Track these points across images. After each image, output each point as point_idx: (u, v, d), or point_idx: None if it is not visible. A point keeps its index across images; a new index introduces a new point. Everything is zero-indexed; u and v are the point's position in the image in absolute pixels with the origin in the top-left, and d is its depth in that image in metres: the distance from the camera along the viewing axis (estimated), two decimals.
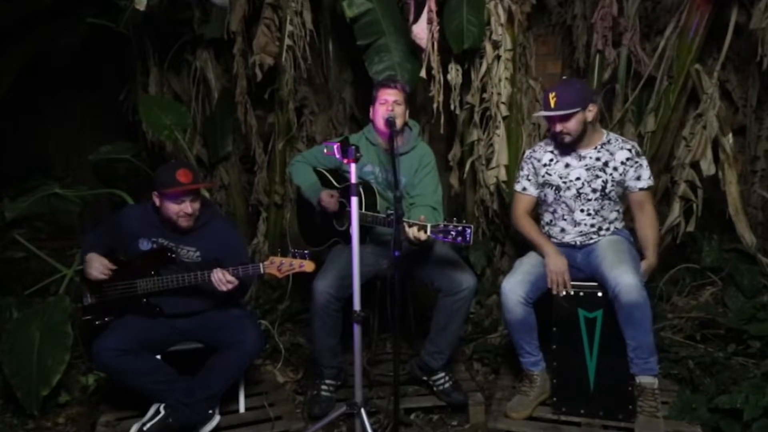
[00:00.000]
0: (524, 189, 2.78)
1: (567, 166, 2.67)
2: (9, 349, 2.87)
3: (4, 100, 4.43)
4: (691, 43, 3.31)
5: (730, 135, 3.31)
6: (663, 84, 3.42)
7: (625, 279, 2.41)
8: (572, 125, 2.56)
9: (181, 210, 2.52)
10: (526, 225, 2.76)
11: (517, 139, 3.55)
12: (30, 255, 4.13)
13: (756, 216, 3.72)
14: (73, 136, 5.14)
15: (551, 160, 2.70)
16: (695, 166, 3.32)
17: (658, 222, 2.82)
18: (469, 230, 2.27)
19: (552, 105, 2.53)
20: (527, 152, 2.81)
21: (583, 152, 2.66)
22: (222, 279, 2.45)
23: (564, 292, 2.59)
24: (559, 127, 2.58)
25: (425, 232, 2.36)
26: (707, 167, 3.27)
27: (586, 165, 2.64)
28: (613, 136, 2.69)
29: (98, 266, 2.56)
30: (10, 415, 2.87)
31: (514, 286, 2.59)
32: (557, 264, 2.59)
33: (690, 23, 3.29)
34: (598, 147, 2.65)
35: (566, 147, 2.66)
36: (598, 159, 2.64)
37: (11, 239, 4.30)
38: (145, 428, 2.49)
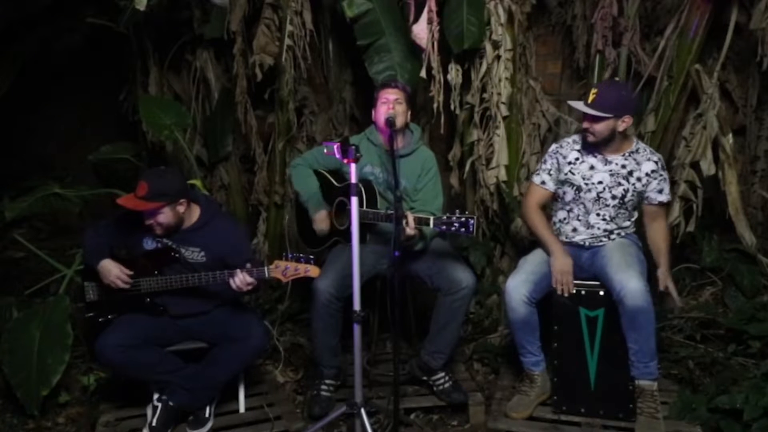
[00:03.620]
0: (543, 183, 2.73)
1: (591, 168, 2.64)
2: (9, 349, 2.87)
3: (4, 100, 4.43)
4: (691, 43, 3.31)
5: (730, 135, 3.31)
6: (663, 84, 3.42)
7: (631, 284, 2.40)
8: (599, 128, 2.53)
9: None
10: (535, 219, 2.72)
11: (517, 139, 3.55)
12: (30, 255, 4.13)
13: (756, 216, 3.71)
14: (73, 136, 5.14)
15: (577, 159, 2.66)
16: (695, 166, 3.32)
17: (669, 235, 2.81)
18: (472, 221, 2.28)
19: (589, 100, 2.51)
20: (553, 146, 2.75)
21: (609, 157, 2.63)
22: (244, 281, 2.42)
23: (567, 293, 2.58)
24: (586, 124, 2.56)
25: (426, 224, 2.39)
26: (707, 167, 3.27)
27: (610, 170, 2.62)
28: (642, 145, 2.67)
29: (118, 273, 2.53)
30: (10, 415, 2.87)
31: (518, 285, 2.58)
32: (563, 264, 2.58)
33: (690, 23, 3.29)
34: (626, 154, 2.62)
35: (591, 147, 2.63)
36: (623, 167, 2.61)
37: (11, 239, 4.30)
38: (153, 424, 2.50)
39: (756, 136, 3.73)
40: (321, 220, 2.80)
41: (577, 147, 2.69)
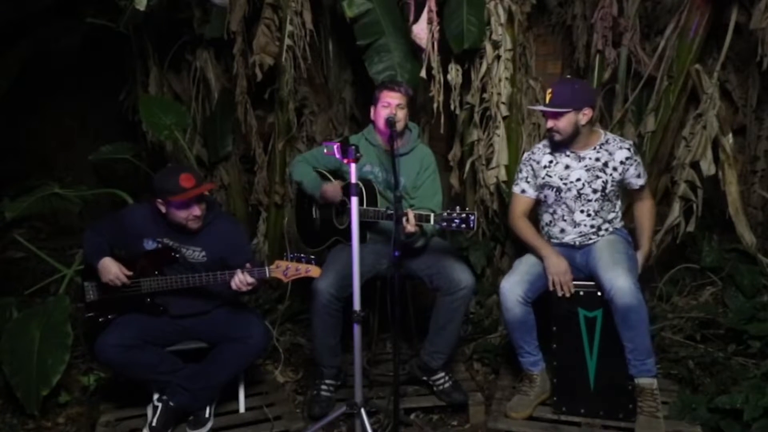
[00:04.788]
0: (523, 191, 2.77)
1: (567, 167, 2.67)
2: (9, 349, 2.87)
3: (4, 100, 4.43)
4: (691, 43, 3.30)
5: (730, 135, 3.31)
6: (663, 84, 3.42)
7: (619, 282, 2.41)
8: (562, 124, 2.57)
9: (190, 214, 2.49)
10: (523, 227, 2.75)
11: (517, 139, 3.55)
12: (30, 255, 4.14)
13: (756, 216, 3.71)
14: (73, 136, 5.15)
15: (551, 161, 2.70)
16: (695, 166, 3.32)
17: (655, 211, 2.87)
18: (472, 217, 2.29)
19: (546, 100, 2.58)
20: (526, 154, 2.81)
21: (582, 153, 2.66)
22: (243, 281, 2.43)
23: (568, 294, 2.58)
24: (549, 124, 2.61)
25: (426, 221, 2.40)
26: (707, 167, 3.27)
27: (585, 166, 2.65)
28: (611, 135, 2.70)
29: (117, 272, 2.53)
30: (10, 415, 2.88)
31: (513, 286, 2.59)
32: (557, 266, 2.58)
33: (690, 23, 3.29)
34: (597, 147, 2.66)
35: (559, 146, 2.66)
36: (597, 159, 2.64)
37: (11, 239, 4.30)
38: (153, 424, 2.50)
39: (756, 136, 3.73)
40: (330, 191, 2.74)
41: (549, 150, 2.72)
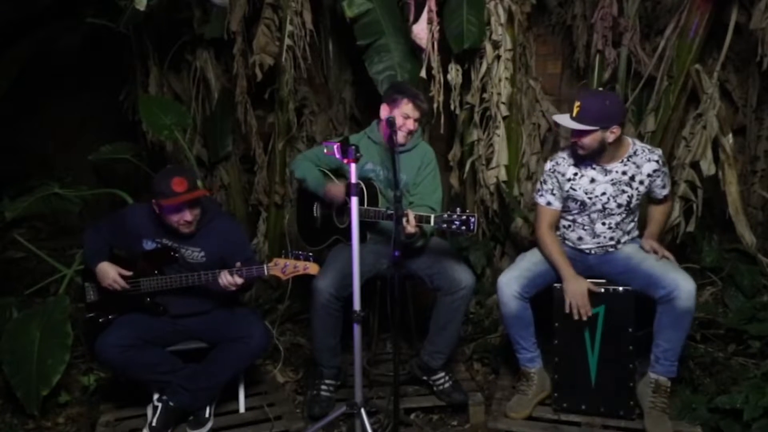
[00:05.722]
0: (549, 203, 2.66)
1: (592, 181, 2.57)
2: (9, 349, 2.87)
3: (4, 100, 4.43)
4: (691, 43, 3.30)
5: (730, 135, 3.30)
6: (663, 84, 3.42)
7: (687, 285, 2.40)
8: (587, 141, 2.45)
9: (181, 218, 2.48)
10: (549, 243, 2.64)
11: (517, 139, 3.56)
12: (30, 255, 4.14)
13: (756, 216, 3.71)
14: (73, 136, 5.14)
15: (575, 174, 2.59)
16: (695, 166, 3.32)
17: (670, 212, 2.85)
18: (473, 219, 2.28)
19: (573, 114, 2.44)
20: (549, 165, 2.67)
21: (608, 166, 2.55)
22: (230, 281, 2.43)
23: (585, 318, 2.55)
24: (574, 138, 2.50)
25: (427, 222, 2.40)
26: (707, 167, 3.27)
27: (612, 179, 2.55)
28: (639, 145, 2.58)
29: (115, 277, 2.54)
30: (10, 415, 2.88)
31: (510, 281, 2.59)
32: (576, 290, 2.54)
33: (690, 23, 3.29)
34: (624, 160, 2.55)
35: (584, 159, 2.57)
36: (624, 173, 2.55)
37: (11, 239, 4.30)
38: (153, 424, 2.51)
39: (756, 136, 3.73)
40: (335, 191, 2.72)
41: (573, 161, 2.61)
